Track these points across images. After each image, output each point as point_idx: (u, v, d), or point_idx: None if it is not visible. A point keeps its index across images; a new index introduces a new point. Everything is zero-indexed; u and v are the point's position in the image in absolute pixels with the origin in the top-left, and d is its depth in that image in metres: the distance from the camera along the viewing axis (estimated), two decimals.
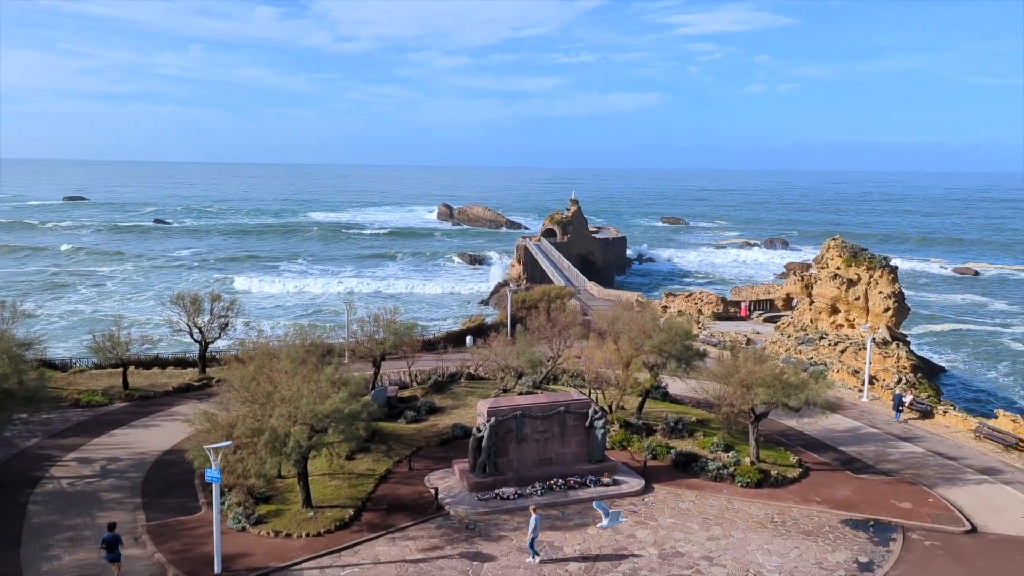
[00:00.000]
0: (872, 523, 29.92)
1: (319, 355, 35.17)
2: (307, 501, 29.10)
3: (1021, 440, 39.64)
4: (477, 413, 33.14)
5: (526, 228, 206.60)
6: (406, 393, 44.60)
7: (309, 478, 29.54)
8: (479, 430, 31.51)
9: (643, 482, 32.50)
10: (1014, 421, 40.90)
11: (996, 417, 42.43)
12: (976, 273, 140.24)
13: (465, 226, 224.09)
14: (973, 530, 29.86)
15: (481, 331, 58.02)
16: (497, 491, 30.76)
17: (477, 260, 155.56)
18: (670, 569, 25.76)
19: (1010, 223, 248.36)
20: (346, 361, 44.48)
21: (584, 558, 26.38)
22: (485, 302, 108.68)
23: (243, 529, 27.75)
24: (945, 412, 44.25)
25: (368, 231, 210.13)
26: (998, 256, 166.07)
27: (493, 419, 31.34)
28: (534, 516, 26.30)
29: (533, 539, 26.00)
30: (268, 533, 27.50)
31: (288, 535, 27.42)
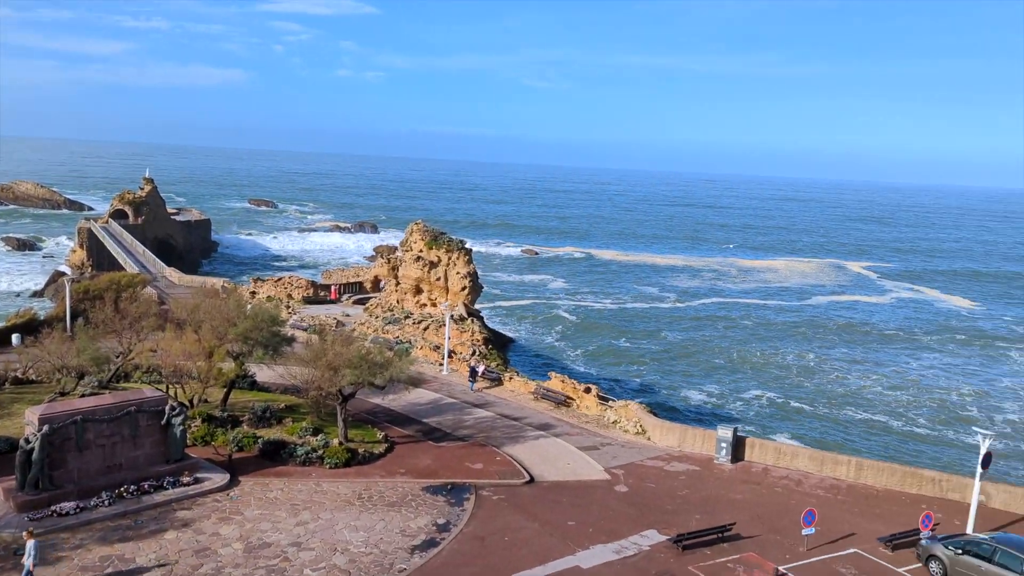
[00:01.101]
0: (450, 486, 32.34)
1: None
2: None
3: (569, 397, 46.15)
4: (26, 422, 28.58)
5: (91, 209, 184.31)
6: None
7: None
8: (28, 441, 27.21)
9: (228, 476, 31.00)
10: (563, 381, 47.43)
11: (550, 379, 48.78)
12: (536, 253, 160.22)
13: (11, 206, 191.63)
14: (531, 480, 33.94)
15: (31, 327, 50.20)
16: (54, 508, 26.89)
17: (27, 245, 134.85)
18: (256, 562, 24.96)
19: (565, 211, 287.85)
20: None
21: (161, 565, 24.31)
22: (39, 294, 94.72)
23: None
24: (511, 378, 49.65)
25: None
26: (555, 240, 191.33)
27: (46, 427, 27.29)
28: (30, 543, 22.75)
29: (29, 571, 22.45)
30: None
31: None
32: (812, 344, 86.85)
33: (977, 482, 31.21)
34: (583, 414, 44.76)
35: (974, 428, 36.20)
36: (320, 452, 33.73)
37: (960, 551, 27.28)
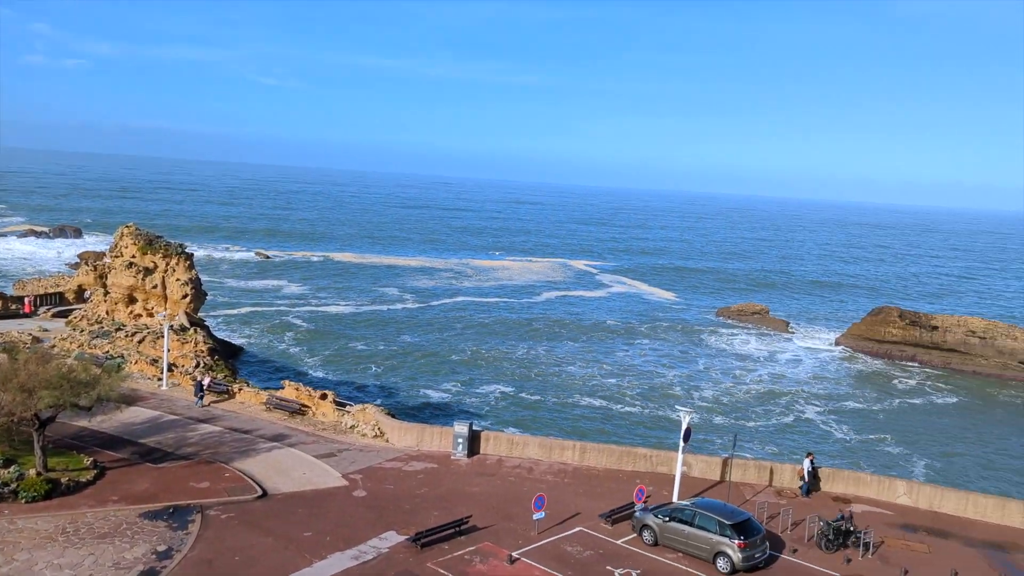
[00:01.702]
0: (171, 509, 29.90)
1: None
2: None
3: (304, 405, 44.69)
4: None
5: None
6: None
7: None
8: None
9: None
10: (297, 389, 45.85)
11: (283, 388, 46.91)
12: (268, 257, 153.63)
13: None
14: (264, 495, 32.38)
15: None
16: None
17: None
18: None
19: (298, 213, 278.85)
20: None
21: None
22: None
23: None
24: (240, 389, 47.04)
25: None
26: (289, 243, 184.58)
27: None
28: None
29: None
30: None
31: None
32: (541, 338, 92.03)
33: (680, 455, 34.82)
34: (320, 421, 43.61)
35: (677, 406, 40.45)
36: (13, 486, 29.65)
37: (667, 518, 30.25)
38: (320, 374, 70.95)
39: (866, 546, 30.90)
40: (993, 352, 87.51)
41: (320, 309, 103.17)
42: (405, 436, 40.93)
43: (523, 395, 68.10)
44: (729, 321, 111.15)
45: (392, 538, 29.39)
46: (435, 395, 66.68)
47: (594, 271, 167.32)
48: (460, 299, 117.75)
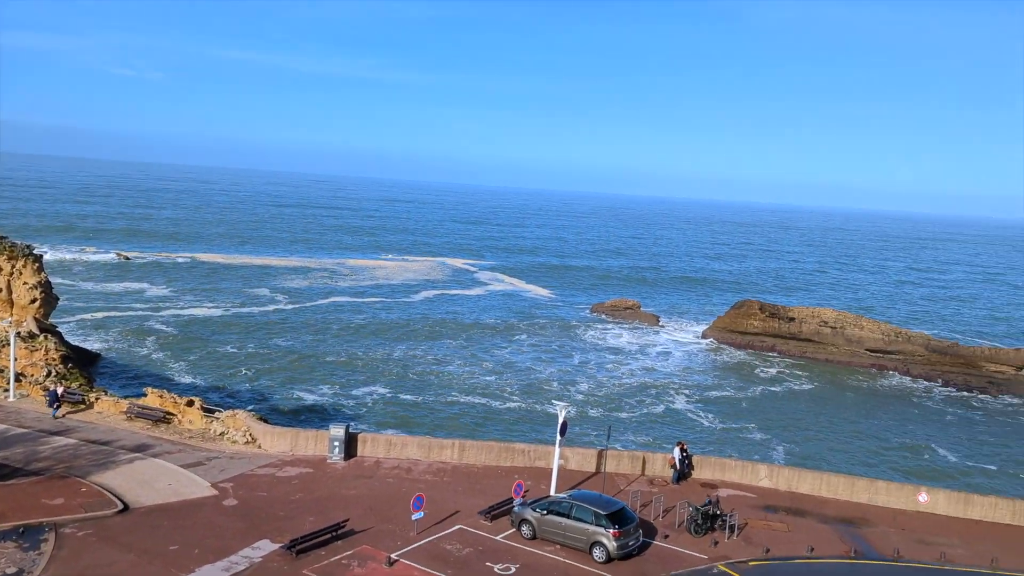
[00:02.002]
0: (21, 529, 27.83)
1: None
2: None
3: (169, 413, 42.58)
4: None
5: None
6: None
7: None
8: None
9: None
10: (161, 396, 43.63)
11: (145, 395, 44.53)
12: (129, 259, 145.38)
13: None
14: (126, 508, 30.64)
15: None
16: None
17: None
18: None
19: (163, 212, 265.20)
20: None
21: None
22: None
23: None
24: (98, 399, 44.33)
25: None
26: (154, 243, 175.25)
27: None
28: None
29: None
30: None
31: None
32: (419, 338, 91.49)
33: (557, 448, 35.46)
34: (186, 429, 41.69)
35: (554, 401, 41.09)
36: None
37: (545, 512, 30.74)
38: (187, 380, 67.81)
39: (732, 528, 32.47)
40: (843, 341, 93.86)
41: (186, 312, 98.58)
42: (278, 441, 39.72)
43: (401, 395, 67.50)
44: (603, 316, 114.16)
45: (265, 547, 28.44)
46: (310, 398, 65.07)
47: (472, 269, 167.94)
48: (335, 299, 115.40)
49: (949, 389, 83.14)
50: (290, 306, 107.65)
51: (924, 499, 37.47)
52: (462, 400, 67.33)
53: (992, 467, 59.60)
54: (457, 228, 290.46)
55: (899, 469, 57.63)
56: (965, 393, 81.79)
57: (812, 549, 31.48)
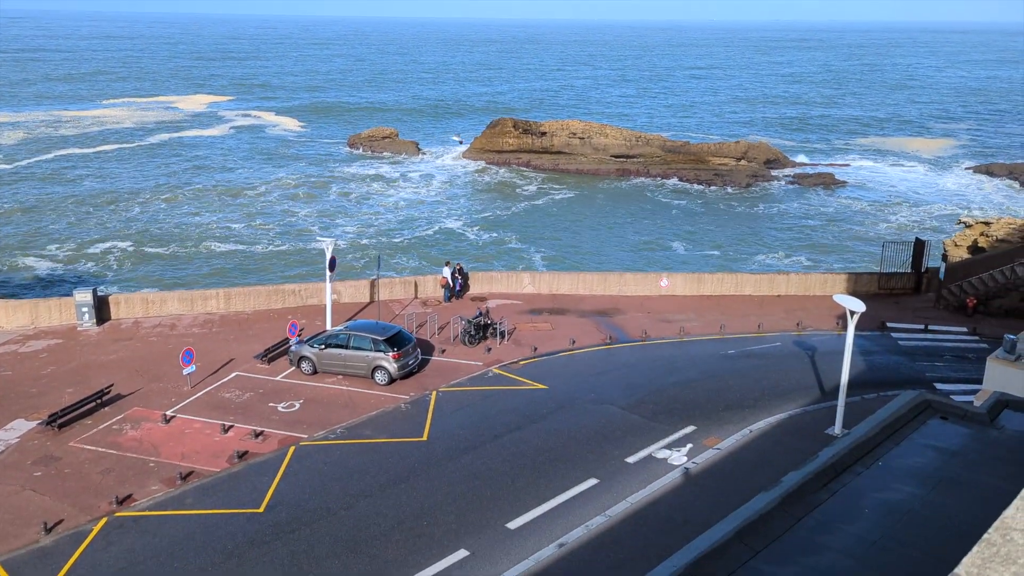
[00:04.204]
0: None
1: None
2: None
3: None
4: None
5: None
6: None
7: None
8: None
9: None
10: None
11: None
12: None
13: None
14: None
15: None
16: None
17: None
18: None
19: None
20: None
21: None
22: None
23: None
24: None
25: None
26: None
27: None
28: None
29: None
30: None
31: None
32: (161, 189, 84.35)
33: (328, 284, 35.25)
34: None
35: (319, 238, 40.31)
36: None
37: (323, 346, 30.90)
38: None
39: (502, 334, 34.69)
40: (591, 150, 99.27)
41: None
42: (15, 315, 35.93)
43: (148, 250, 62.86)
44: (360, 149, 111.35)
45: (21, 426, 26.35)
46: (43, 264, 58.90)
47: (213, 109, 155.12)
48: (57, 154, 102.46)
49: (685, 183, 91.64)
50: (5, 165, 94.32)
51: (665, 284, 42.06)
52: (219, 250, 64.00)
53: (716, 253, 67.52)
54: (188, 65, 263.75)
55: (645, 260, 63.75)
56: (696, 186, 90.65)
57: (574, 342, 34.59)
